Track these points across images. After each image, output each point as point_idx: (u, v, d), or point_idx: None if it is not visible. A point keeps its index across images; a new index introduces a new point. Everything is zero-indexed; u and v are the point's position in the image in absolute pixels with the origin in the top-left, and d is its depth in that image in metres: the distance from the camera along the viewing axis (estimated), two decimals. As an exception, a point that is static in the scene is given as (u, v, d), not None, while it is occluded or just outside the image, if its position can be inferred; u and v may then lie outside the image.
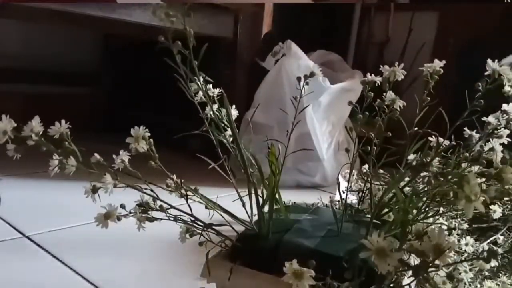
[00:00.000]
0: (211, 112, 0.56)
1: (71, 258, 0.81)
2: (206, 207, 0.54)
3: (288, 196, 1.00)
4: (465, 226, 0.74)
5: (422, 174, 0.48)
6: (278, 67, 1.45)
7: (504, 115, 0.48)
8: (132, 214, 0.50)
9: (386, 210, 0.55)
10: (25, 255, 0.82)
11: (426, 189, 0.47)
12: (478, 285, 0.65)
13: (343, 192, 0.57)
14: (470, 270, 0.59)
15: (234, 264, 0.47)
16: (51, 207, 1.08)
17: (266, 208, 0.51)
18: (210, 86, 0.55)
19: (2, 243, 0.85)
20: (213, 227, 0.51)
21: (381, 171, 0.57)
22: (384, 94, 0.53)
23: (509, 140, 0.49)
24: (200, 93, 0.55)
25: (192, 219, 0.52)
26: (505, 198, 0.76)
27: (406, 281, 0.41)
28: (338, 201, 0.84)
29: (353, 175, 0.60)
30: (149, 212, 0.51)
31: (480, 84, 0.47)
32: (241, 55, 1.62)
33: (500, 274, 0.69)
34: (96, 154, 0.49)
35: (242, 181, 0.53)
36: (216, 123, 0.56)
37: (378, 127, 0.52)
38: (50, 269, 0.77)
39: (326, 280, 0.40)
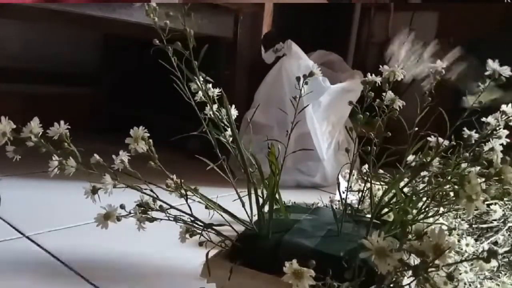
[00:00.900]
0: (211, 112, 0.56)
1: (71, 258, 0.81)
2: (206, 207, 0.54)
3: (288, 196, 1.00)
4: (465, 226, 0.74)
5: (422, 174, 0.48)
6: (278, 67, 1.45)
7: (503, 115, 0.48)
8: (132, 214, 0.50)
9: (386, 210, 0.55)
10: (25, 255, 0.82)
11: (426, 189, 0.47)
12: (478, 285, 0.65)
13: (343, 192, 0.57)
14: (470, 270, 0.59)
15: (234, 264, 0.47)
16: (51, 207, 1.08)
17: (266, 208, 0.51)
18: (210, 86, 0.55)
19: (2, 243, 0.85)
20: (213, 227, 0.51)
21: (381, 171, 0.57)
22: (384, 94, 0.53)
23: (508, 140, 0.49)
24: (200, 93, 0.55)
25: (192, 219, 0.52)
26: (505, 198, 0.76)
27: (406, 281, 0.41)
28: (338, 201, 0.84)
29: (353, 175, 0.60)
30: (149, 212, 0.51)
31: (480, 84, 0.47)
32: (241, 55, 1.62)
33: (500, 274, 0.69)
34: (95, 155, 0.49)
35: (242, 181, 0.53)
36: (216, 123, 0.56)
37: (378, 127, 0.52)
38: (50, 269, 0.77)
39: (326, 280, 0.40)
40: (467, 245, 0.64)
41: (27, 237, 0.88)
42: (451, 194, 0.44)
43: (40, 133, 0.46)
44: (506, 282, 0.64)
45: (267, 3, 1.70)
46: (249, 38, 1.63)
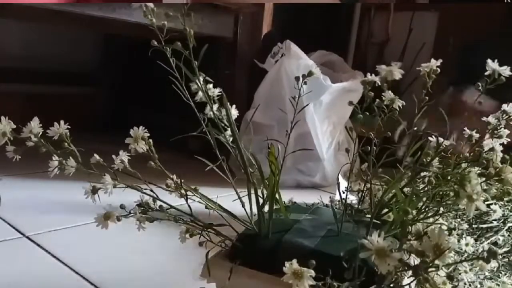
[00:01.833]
0: (211, 112, 0.56)
1: (71, 258, 0.81)
2: (206, 207, 0.54)
3: (288, 196, 1.00)
4: (465, 226, 0.74)
5: (422, 174, 0.48)
6: (278, 67, 1.45)
7: (504, 115, 0.48)
8: (132, 214, 0.50)
9: (386, 210, 0.55)
10: (25, 255, 0.82)
11: (426, 189, 0.47)
12: (478, 285, 0.65)
13: (343, 192, 0.57)
14: (470, 270, 0.59)
15: (234, 264, 0.47)
16: (51, 207, 1.08)
17: (266, 208, 0.51)
18: (211, 86, 0.55)
19: (2, 243, 0.85)
20: (213, 227, 0.51)
21: (381, 171, 0.57)
22: (383, 94, 0.53)
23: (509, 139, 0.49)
24: (200, 93, 0.55)
25: (192, 219, 0.52)
26: (505, 198, 0.77)
27: (406, 281, 0.41)
28: (338, 201, 0.84)
29: (353, 175, 0.60)
30: (149, 212, 0.51)
31: (479, 84, 0.47)
32: (241, 55, 1.62)
33: (500, 274, 0.69)
34: (95, 155, 0.49)
35: (242, 180, 0.53)
36: (216, 123, 0.56)
37: (378, 127, 0.52)
38: (50, 269, 0.77)
39: (326, 280, 0.40)
40: (467, 245, 0.64)
41: (27, 237, 0.88)
42: (451, 194, 0.44)
43: (40, 133, 0.46)
44: (506, 282, 0.64)
45: (267, 3, 1.70)
46: (249, 38, 1.63)
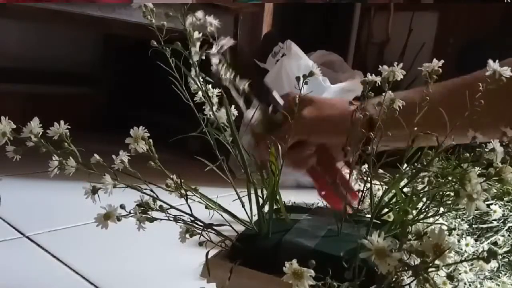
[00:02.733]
0: (211, 113, 0.56)
1: (71, 258, 0.81)
2: (206, 207, 0.53)
3: (288, 196, 1.00)
4: (465, 226, 0.74)
5: (422, 174, 0.48)
6: (278, 67, 1.45)
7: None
8: (132, 214, 0.50)
9: (386, 210, 0.55)
10: (25, 255, 0.82)
11: (426, 189, 0.47)
12: (478, 285, 0.65)
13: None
14: (470, 270, 0.59)
15: (234, 264, 0.47)
16: (51, 207, 1.08)
17: (266, 208, 0.51)
18: (210, 86, 0.55)
19: (2, 243, 0.85)
20: (213, 227, 0.51)
21: (381, 171, 0.57)
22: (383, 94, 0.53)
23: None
24: (199, 93, 0.55)
25: (192, 219, 0.52)
26: (505, 198, 0.76)
27: (406, 281, 0.41)
28: (338, 201, 0.84)
29: (353, 175, 0.60)
30: (149, 212, 0.51)
31: (479, 84, 0.47)
32: (241, 55, 1.62)
33: (500, 274, 0.69)
34: (95, 155, 0.49)
35: (242, 180, 0.53)
36: (216, 123, 0.56)
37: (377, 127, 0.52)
38: (50, 269, 0.77)
39: (326, 280, 0.40)
40: (467, 245, 0.64)
41: (27, 237, 0.88)
42: (451, 194, 0.44)
43: (40, 133, 0.46)
44: (506, 282, 0.65)
45: (267, 3, 1.70)
46: (249, 38, 1.64)
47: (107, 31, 1.98)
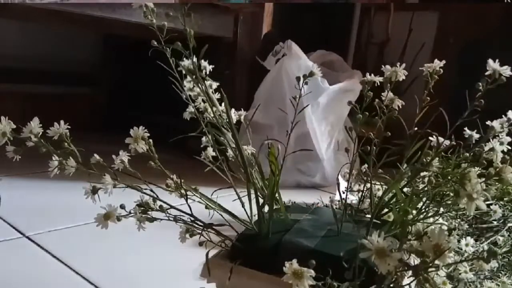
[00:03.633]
0: (211, 113, 0.56)
1: (71, 258, 0.81)
2: (206, 207, 0.53)
3: (288, 196, 1.00)
4: (465, 226, 0.74)
5: (422, 174, 0.48)
6: (278, 67, 1.45)
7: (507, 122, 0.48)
8: (132, 214, 0.50)
9: (386, 210, 0.55)
10: (25, 255, 0.82)
11: (426, 189, 0.47)
12: (478, 285, 0.65)
13: (343, 192, 0.57)
14: (470, 270, 0.59)
15: (234, 264, 0.47)
16: (51, 207, 1.08)
17: (266, 208, 0.51)
18: (213, 85, 0.55)
19: (2, 243, 0.85)
20: (213, 227, 0.51)
21: (381, 171, 0.57)
22: (383, 94, 0.53)
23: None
24: (197, 90, 0.55)
25: (192, 219, 0.52)
26: (505, 198, 0.76)
27: (406, 281, 0.41)
28: (338, 201, 0.84)
29: (353, 175, 0.60)
30: (149, 212, 0.51)
31: (480, 84, 0.47)
32: (241, 55, 1.62)
33: (500, 274, 0.69)
34: (95, 155, 0.49)
35: (242, 180, 0.53)
36: (216, 123, 0.56)
37: (378, 127, 0.52)
38: (50, 269, 0.77)
39: (326, 280, 0.40)
40: (467, 245, 0.64)
41: (27, 237, 0.88)
42: (451, 194, 0.44)
43: (40, 133, 0.46)
44: (506, 282, 0.64)
45: (267, 3, 1.70)
46: (249, 38, 1.64)
47: (107, 31, 1.99)
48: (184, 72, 0.53)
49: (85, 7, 1.21)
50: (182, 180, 0.54)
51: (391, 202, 0.53)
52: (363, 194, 0.58)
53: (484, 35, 1.75)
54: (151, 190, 0.51)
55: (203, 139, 0.59)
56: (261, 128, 1.43)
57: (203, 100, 0.57)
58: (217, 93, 0.56)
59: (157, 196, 0.51)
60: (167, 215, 0.51)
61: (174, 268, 0.81)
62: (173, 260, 0.84)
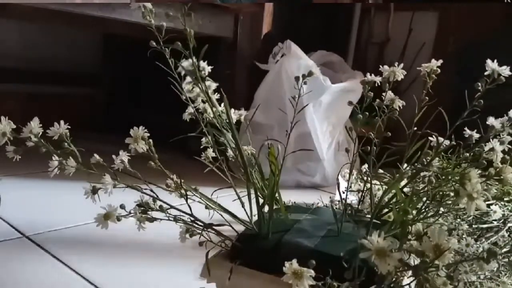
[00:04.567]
0: (211, 114, 0.56)
1: (71, 258, 0.81)
2: (206, 207, 0.53)
3: (288, 196, 1.00)
4: (465, 226, 0.74)
5: (422, 174, 0.48)
6: (278, 67, 1.45)
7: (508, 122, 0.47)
8: (132, 214, 0.50)
9: (386, 210, 0.55)
10: (25, 255, 0.82)
11: (426, 189, 0.47)
12: (478, 285, 0.65)
13: (343, 192, 0.57)
14: (470, 270, 0.59)
15: (234, 264, 0.47)
16: (51, 207, 1.08)
17: (266, 208, 0.51)
18: (212, 86, 0.55)
19: (2, 243, 0.85)
20: (213, 227, 0.51)
21: (381, 171, 0.57)
22: (384, 94, 0.53)
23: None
24: (197, 90, 0.55)
25: (192, 219, 0.52)
26: (505, 198, 0.76)
27: (406, 281, 0.41)
28: (338, 201, 0.84)
29: (353, 175, 0.60)
30: (149, 212, 0.51)
31: (479, 84, 0.47)
32: (241, 55, 1.62)
33: (500, 275, 0.69)
34: (95, 155, 0.49)
35: (242, 180, 0.53)
36: (216, 123, 0.56)
37: (378, 127, 0.52)
38: (50, 269, 0.77)
39: (326, 280, 0.40)
40: (467, 245, 0.64)
41: (27, 237, 0.88)
42: (451, 194, 0.44)
43: (40, 133, 0.46)
44: (506, 282, 0.64)
45: (267, 3, 1.70)
46: (249, 38, 1.63)
47: (107, 31, 1.99)
48: (183, 72, 0.53)
49: (85, 7, 1.21)
50: (182, 180, 0.54)
51: (391, 202, 0.53)
52: (363, 194, 0.58)
53: (484, 35, 1.75)
54: (151, 190, 0.51)
55: (203, 140, 0.59)
56: (261, 128, 1.43)
57: (202, 101, 0.57)
58: (216, 93, 0.56)
59: (157, 196, 0.51)
60: (167, 215, 0.51)
61: (174, 268, 0.81)
62: (173, 260, 0.84)
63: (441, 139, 0.48)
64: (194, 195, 0.54)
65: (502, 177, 0.41)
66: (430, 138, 0.50)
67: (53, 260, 0.80)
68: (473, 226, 0.79)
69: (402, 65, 0.51)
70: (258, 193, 0.51)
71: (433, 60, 0.51)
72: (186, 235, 0.53)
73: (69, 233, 0.93)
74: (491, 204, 0.75)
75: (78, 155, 0.48)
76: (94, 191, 0.48)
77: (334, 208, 0.55)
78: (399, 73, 0.51)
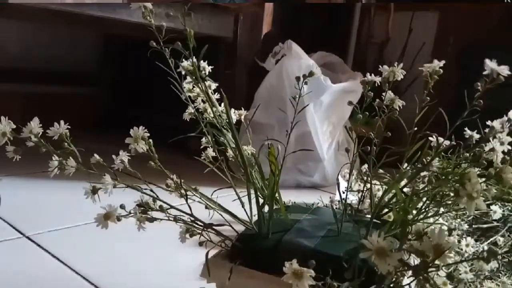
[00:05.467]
0: (210, 113, 0.56)
1: (71, 258, 0.81)
2: (206, 207, 0.53)
3: (288, 196, 1.00)
4: (465, 226, 0.74)
5: (422, 174, 0.48)
6: (279, 67, 1.45)
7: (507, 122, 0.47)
8: (132, 214, 0.50)
9: (386, 210, 0.55)
10: (25, 255, 0.82)
11: (426, 189, 0.47)
12: (478, 285, 0.65)
13: (343, 192, 0.57)
14: (470, 270, 0.59)
15: (234, 264, 0.47)
16: (51, 207, 1.08)
17: (266, 208, 0.51)
18: (212, 85, 0.55)
19: (2, 243, 0.85)
20: (213, 227, 0.51)
21: (381, 171, 0.57)
22: (383, 94, 0.53)
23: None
24: (197, 90, 0.55)
25: (192, 219, 0.52)
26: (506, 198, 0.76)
27: (406, 281, 0.41)
28: (338, 201, 0.84)
29: (353, 175, 0.60)
30: (149, 212, 0.51)
31: (479, 84, 0.47)
32: (241, 55, 1.62)
33: (500, 274, 0.69)
34: (95, 155, 0.49)
35: (242, 180, 0.53)
36: (216, 123, 0.56)
37: (378, 127, 0.52)
38: (50, 269, 0.77)
39: (326, 280, 0.40)
40: (467, 245, 0.64)
41: (27, 237, 0.88)
42: (451, 194, 0.44)
43: (40, 133, 0.46)
44: (506, 282, 0.64)
45: (267, 3, 1.70)
46: (249, 38, 1.64)
47: (107, 31, 1.99)
48: (184, 72, 0.53)
49: (85, 7, 1.21)
50: (182, 180, 0.54)
51: (391, 202, 0.53)
52: (363, 194, 0.58)
53: (484, 35, 1.75)
54: (151, 190, 0.51)
55: (203, 140, 0.59)
56: (262, 128, 1.43)
57: (202, 101, 0.57)
58: (216, 93, 0.56)
59: (157, 196, 0.51)
60: (167, 215, 0.51)
61: (174, 268, 0.81)
62: (173, 260, 0.84)
63: (441, 139, 0.48)
64: (194, 195, 0.54)
65: (502, 177, 0.41)
66: (430, 138, 0.50)
67: (53, 260, 0.80)
68: (473, 226, 0.79)
69: (401, 65, 0.51)
70: (258, 193, 0.51)
71: (435, 60, 0.51)
72: (186, 235, 0.53)
73: (69, 233, 0.93)
74: (491, 204, 0.75)
75: (78, 155, 0.48)
76: (94, 191, 0.48)
77: (334, 208, 0.55)
78: (399, 73, 0.51)
